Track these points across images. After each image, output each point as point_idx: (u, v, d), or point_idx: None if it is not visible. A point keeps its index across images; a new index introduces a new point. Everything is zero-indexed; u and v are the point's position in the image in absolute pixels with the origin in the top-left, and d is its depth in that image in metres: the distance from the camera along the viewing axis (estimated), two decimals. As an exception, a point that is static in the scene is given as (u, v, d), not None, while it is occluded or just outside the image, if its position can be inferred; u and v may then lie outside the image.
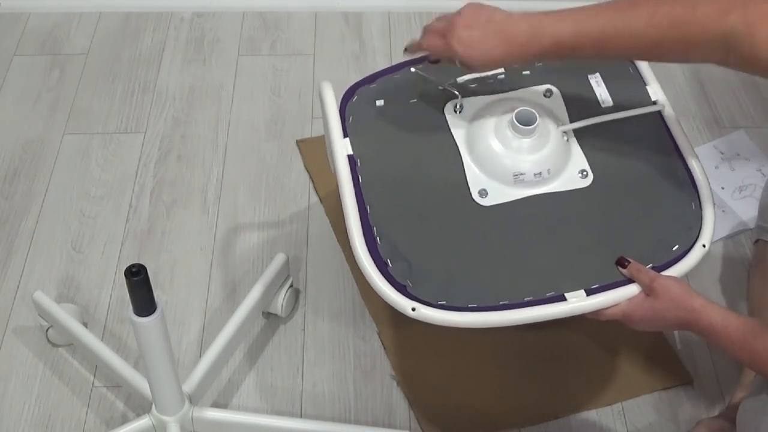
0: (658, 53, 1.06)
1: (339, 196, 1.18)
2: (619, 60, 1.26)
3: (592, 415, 1.38)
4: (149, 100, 1.87)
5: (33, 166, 1.74)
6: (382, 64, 1.94)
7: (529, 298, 1.09)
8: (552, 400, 1.39)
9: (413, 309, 1.07)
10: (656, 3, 1.02)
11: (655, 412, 1.39)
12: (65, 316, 1.37)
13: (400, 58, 1.96)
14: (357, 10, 2.10)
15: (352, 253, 1.13)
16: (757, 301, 1.38)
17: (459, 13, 1.09)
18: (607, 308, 1.09)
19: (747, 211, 1.64)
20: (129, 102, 1.87)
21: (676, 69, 1.96)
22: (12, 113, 1.85)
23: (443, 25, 1.11)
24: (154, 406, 1.22)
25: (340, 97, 1.26)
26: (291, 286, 1.47)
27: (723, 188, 1.69)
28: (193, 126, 1.82)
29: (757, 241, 1.39)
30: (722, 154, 1.76)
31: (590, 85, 1.27)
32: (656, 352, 1.45)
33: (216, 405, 1.39)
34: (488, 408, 1.38)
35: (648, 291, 1.08)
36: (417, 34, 2.16)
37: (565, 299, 1.09)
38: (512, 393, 1.40)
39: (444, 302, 1.09)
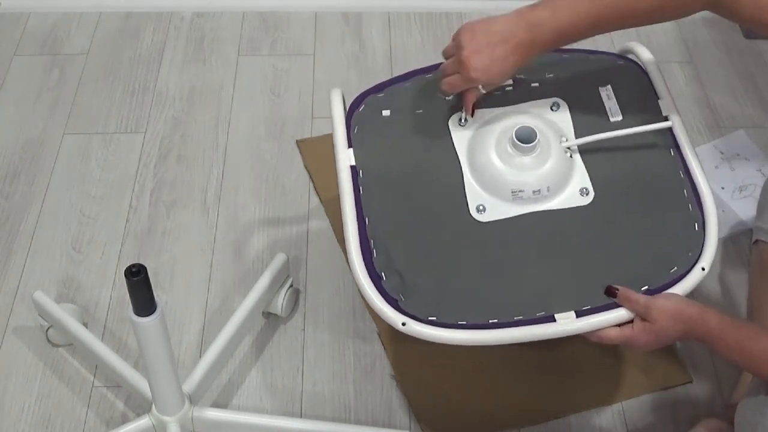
0: (656, 15, 1.09)
1: (339, 202, 1.18)
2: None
3: (592, 415, 1.38)
4: (149, 100, 1.87)
5: (33, 166, 1.74)
6: (382, 64, 1.95)
7: (518, 317, 1.09)
8: (552, 400, 1.39)
9: (403, 324, 1.08)
10: None
11: (655, 412, 1.39)
12: (65, 316, 1.37)
13: (399, 58, 1.97)
14: (357, 10, 2.10)
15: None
16: (756, 301, 1.38)
17: (459, 44, 1.11)
18: (606, 333, 1.09)
19: (747, 211, 1.64)
20: (129, 102, 1.87)
21: (676, 69, 1.96)
22: (12, 113, 1.85)
23: (454, 66, 1.14)
24: (154, 406, 1.22)
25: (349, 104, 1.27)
26: (291, 286, 1.47)
27: (723, 188, 1.69)
28: (193, 126, 1.82)
29: (756, 241, 1.39)
30: (722, 154, 1.76)
31: (600, 97, 1.26)
32: (656, 352, 1.44)
33: (216, 405, 1.39)
34: (488, 408, 1.38)
35: (644, 317, 1.07)
36: (417, 34, 2.18)
37: (554, 320, 1.09)
38: (512, 393, 1.40)
39: (434, 318, 1.09)
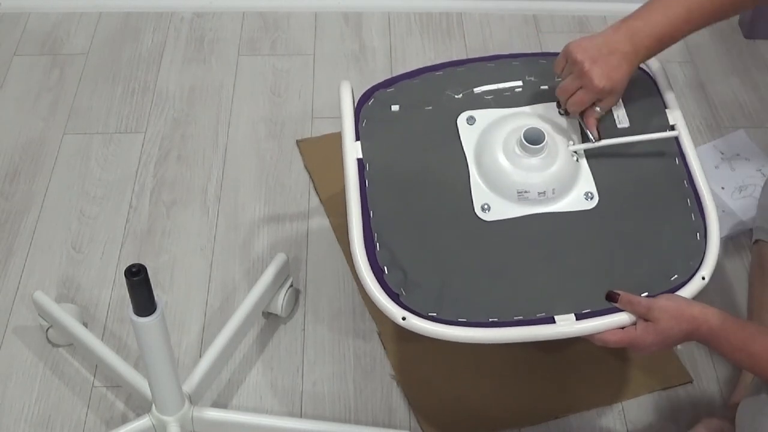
0: (737, 7, 1.16)
1: (342, 197, 1.18)
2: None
3: (592, 415, 1.38)
4: (149, 100, 1.87)
5: (33, 166, 1.74)
6: (382, 64, 1.95)
7: (518, 317, 1.09)
8: (552, 400, 1.39)
9: (404, 318, 1.08)
10: None
11: (655, 412, 1.39)
12: (65, 316, 1.38)
13: (399, 58, 1.97)
14: (357, 10, 2.10)
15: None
16: (756, 302, 1.38)
17: (574, 60, 1.15)
18: (610, 336, 1.08)
19: (747, 211, 1.64)
20: (129, 102, 1.87)
21: (676, 69, 1.96)
22: (12, 113, 1.85)
23: (575, 83, 1.17)
24: (154, 406, 1.22)
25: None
26: (291, 286, 1.47)
27: (723, 188, 1.69)
28: (193, 126, 1.82)
29: (756, 241, 1.39)
30: (722, 154, 1.76)
31: None
32: (656, 352, 1.44)
33: (216, 405, 1.39)
34: (488, 408, 1.38)
35: (646, 317, 1.07)
36: (417, 34, 2.17)
37: (554, 321, 1.09)
38: (512, 393, 1.40)
39: (434, 314, 1.09)
